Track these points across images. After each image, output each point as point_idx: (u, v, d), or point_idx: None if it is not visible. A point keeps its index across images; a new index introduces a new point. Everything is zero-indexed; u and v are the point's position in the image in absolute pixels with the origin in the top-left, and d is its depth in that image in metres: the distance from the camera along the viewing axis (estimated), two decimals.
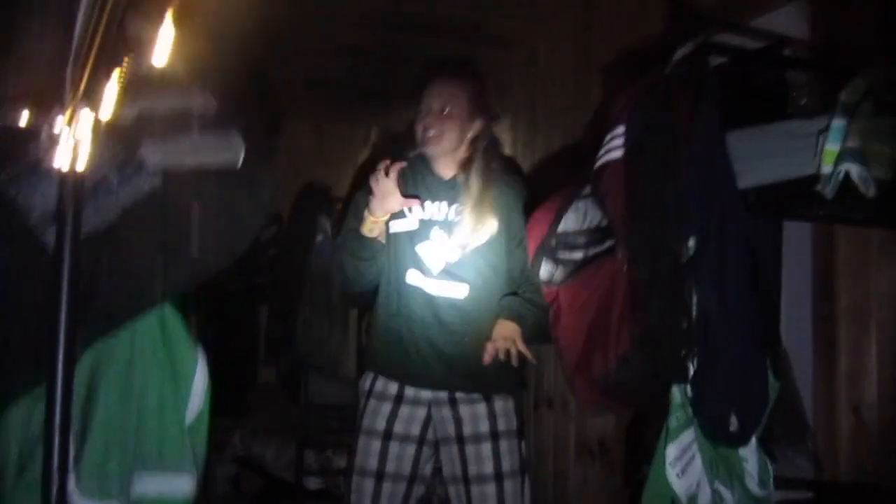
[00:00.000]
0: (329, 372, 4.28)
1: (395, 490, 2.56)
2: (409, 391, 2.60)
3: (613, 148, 2.12)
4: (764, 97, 2.24)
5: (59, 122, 1.46)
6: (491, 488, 2.55)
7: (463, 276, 2.59)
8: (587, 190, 2.19)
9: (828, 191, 1.77)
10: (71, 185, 1.60)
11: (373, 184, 2.53)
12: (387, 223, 2.63)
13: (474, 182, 2.61)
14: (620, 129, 2.11)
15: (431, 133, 2.61)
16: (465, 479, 2.57)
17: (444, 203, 2.64)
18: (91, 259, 1.67)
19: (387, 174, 2.52)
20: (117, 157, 1.65)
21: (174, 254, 1.72)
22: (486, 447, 2.56)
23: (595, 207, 2.18)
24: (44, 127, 1.50)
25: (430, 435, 2.60)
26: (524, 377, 2.68)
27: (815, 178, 1.79)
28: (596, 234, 2.19)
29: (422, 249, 2.61)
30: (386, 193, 2.54)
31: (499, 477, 2.55)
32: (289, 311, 3.92)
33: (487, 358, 2.49)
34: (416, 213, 2.63)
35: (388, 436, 2.57)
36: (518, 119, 4.11)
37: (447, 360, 2.57)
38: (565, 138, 3.76)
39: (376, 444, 2.57)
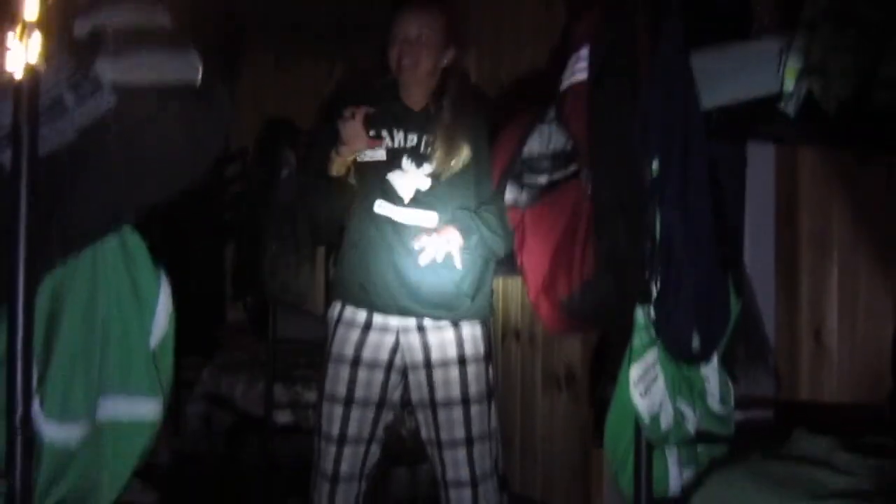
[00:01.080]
0: (297, 307, 4.29)
1: (364, 415, 2.59)
2: (378, 318, 2.61)
3: (577, 71, 2.12)
4: (726, 18, 2.23)
5: (11, 39, 1.42)
6: (458, 412, 2.58)
7: (433, 205, 2.59)
8: (551, 114, 2.19)
9: (790, 108, 1.77)
10: (25, 104, 1.57)
11: (340, 128, 2.54)
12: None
13: (447, 112, 2.60)
14: (584, 52, 2.11)
15: (406, 60, 2.59)
16: (433, 404, 2.60)
17: (415, 134, 2.63)
18: (49, 181, 1.64)
19: (353, 118, 2.53)
20: (72, 74, 1.61)
21: (133, 174, 1.69)
22: (454, 372, 2.59)
23: (559, 131, 2.18)
24: None
25: (398, 361, 2.62)
26: (491, 303, 2.69)
27: (778, 96, 1.80)
28: (560, 158, 2.19)
29: (393, 178, 2.61)
30: (352, 136, 2.54)
31: (465, 401, 2.58)
32: (255, 247, 3.89)
33: (423, 259, 2.50)
34: (384, 143, 2.62)
35: (356, 362, 2.59)
36: (483, 49, 4.08)
37: (415, 288, 2.58)
38: (531, 67, 3.74)
39: (345, 371, 2.59)
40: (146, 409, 1.80)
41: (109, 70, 1.52)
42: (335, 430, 2.59)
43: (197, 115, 1.68)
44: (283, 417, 3.89)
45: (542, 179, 2.21)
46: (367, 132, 2.57)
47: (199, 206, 4.37)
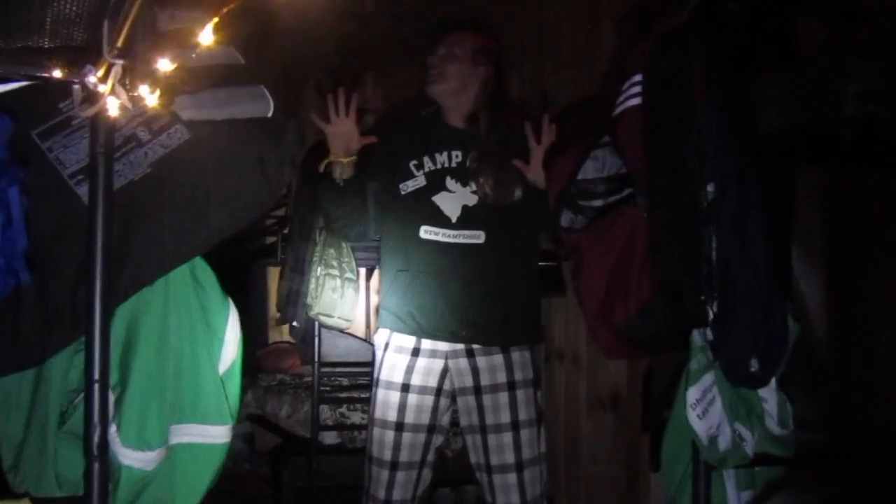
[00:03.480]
0: (341, 330, 4.32)
1: (415, 440, 2.60)
2: (427, 343, 2.62)
3: (631, 96, 2.13)
4: (778, 42, 2.25)
5: (93, 76, 1.47)
6: (508, 437, 2.58)
7: (480, 223, 2.59)
8: (605, 138, 2.21)
9: (849, 134, 1.79)
10: (102, 139, 1.62)
11: (328, 123, 2.52)
12: (397, 186, 2.64)
13: (488, 130, 2.63)
14: (638, 77, 2.13)
15: (433, 73, 2.64)
16: (483, 429, 2.60)
17: (458, 150, 2.64)
18: (124, 212, 1.69)
19: (337, 112, 2.51)
20: (147, 110, 1.66)
21: (205, 205, 1.74)
22: (504, 397, 2.59)
23: (613, 155, 2.20)
24: (77, 80, 1.50)
25: (447, 385, 2.63)
26: (541, 328, 2.70)
27: (836, 120, 1.81)
28: (615, 182, 2.20)
29: (439, 199, 2.62)
30: (342, 133, 2.52)
31: (515, 425, 2.58)
32: (300, 271, 3.93)
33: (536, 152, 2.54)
34: (423, 169, 2.65)
35: (406, 388, 2.60)
36: (524, 75, 4.11)
37: (464, 313, 2.58)
38: (573, 93, 3.76)
39: (395, 397, 2.60)
40: (216, 434, 1.84)
41: (187, 106, 1.56)
42: (387, 456, 2.59)
43: (267, 149, 1.72)
44: (329, 438, 3.92)
45: (598, 203, 2.22)
46: (409, 141, 2.62)
47: (242, 229, 4.41)
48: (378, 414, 2.63)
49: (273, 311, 4.79)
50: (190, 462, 1.82)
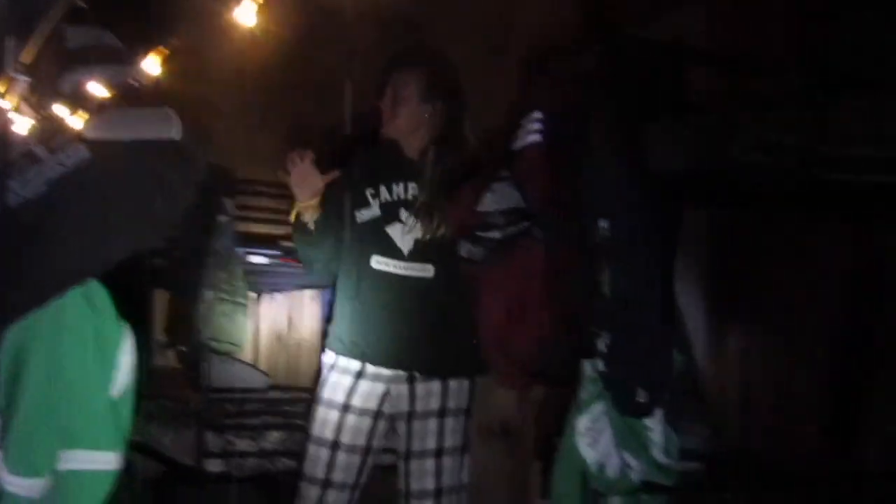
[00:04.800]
0: (230, 355, 4.25)
1: (349, 461, 2.61)
2: (370, 368, 2.64)
3: (532, 132, 2.20)
4: (669, 88, 2.35)
5: None
6: (431, 464, 2.61)
7: (429, 257, 2.61)
8: (505, 172, 2.26)
9: (736, 178, 1.88)
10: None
11: (289, 176, 2.59)
12: (353, 214, 2.67)
13: (434, 165, 2.65)
14: (538, 115, 2.19)
15: (387, 115, 2.66)
16: (408, 454, 2.63)
17: (413, 184, 2.65)
18: (17, 231, 1.64)
19: (293, 163, 2.57)
20: (46, 128, 1.62)
21: (104, 228, 1.70)
22: (433, 423, 2.62)
23: (512, 189, 2.26)
24: None
25: (386, 409, 2.65)
26: (479, 357, 2.60)
27: (725, 165, 1.90)
28: (513, 216, 2.26)
29: (392, 231, 2.63)
30: (303, 178, 2.58)
31: (439, 452, 2.61)
32: (190, 295, 3.86)
33: None
34: (379, 199, 2.66)
35: (346, 408, 2.62)
36: None
37: (410, 342, 2.61)
38: (474, 127, 3.82)
39: (334, 416, 2.62)
40: (106, 461, 1.80)
41: (94, 126, 1.53)
42: (320, 474, 2.61)
43: (171, 172, 1.70)
44: (215, 466, 3.83)
45: (497, 235, 2.28)
46: (366, 171, 2.65)
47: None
48: (315, 432, 2.64)
49: (158, 334, 4.68)
50: (77, 489, 1.77)
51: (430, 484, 2.60)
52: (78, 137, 1.64)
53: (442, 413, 2.62)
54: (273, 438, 3.98)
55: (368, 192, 2.67)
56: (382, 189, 2.67)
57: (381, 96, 2.69)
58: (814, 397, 2.57)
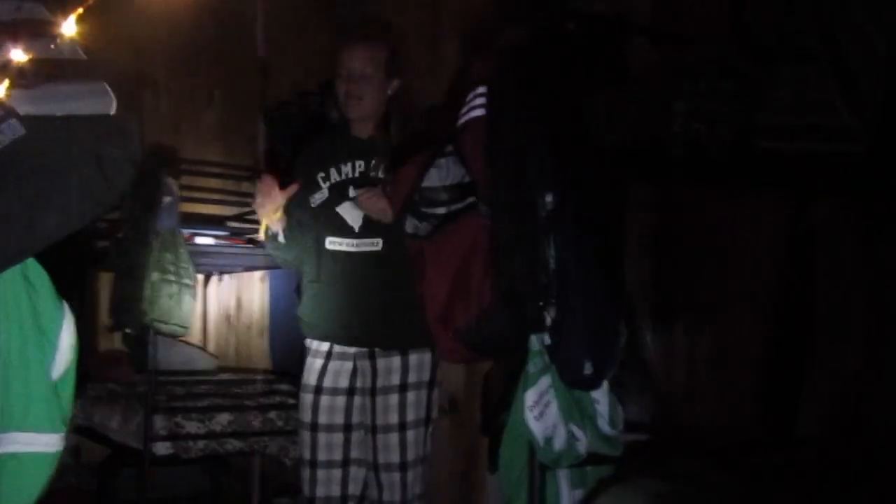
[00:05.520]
0: (176, 337, 4.21)
1: (331, 440, 2.70)
2: (337, 348, 2.72)
3: (475, 107, 2.20)
4: (611, 62, 2.37)
5: None
6: (395, 437, 2.65)
7: (378, 231, 2.64)
8: (449, 147, 2.26)
9: (677, 150, 1.91)
10: None
11: (256, 202, 2.70)
12: (307, 200, 2.74)
13: (394, 140, 2.68)
14: (482, 89, 2.19)
15: (353, 99, 2.68)
16: (373, 429, 2.68)
17: (361, 160, 2.70)
18: None
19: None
20: None
21: (40, 205, 1.67)
22: (394, 398, 2.66)
23: (457, 164, 2.26)
24: None
25: (358, 384, 2.71)
26: None
27: (665, 137, 1.93)
28: (457, 191, 2.26)
29: (342, 209, 2.69)
30: (265, 196, 2.67)
31: (403, 426, 2.66)
32: (135, 277, 3.81)
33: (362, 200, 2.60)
34: (329, 181, 2.72)
35: (318, 390, 2.71)
36: None
37: (366, 318, 2.66)
38: (418, 102, 3.81)
39: (308, 399, 2.72)
40: (47, 442, 1.77)
41: (23, 100, 1.50)
42: (307, 455, 2.72)
43: (107, 148, 1.67)
44: (163, 449, 3.80)
45: (441, 211, 2.28)
46: (316, 155, 2.74)
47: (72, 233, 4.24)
48: (300, 415, 2.78)
49: (104, 317, 4.61)
50: (17, 473, 1.74)
51: (395, 457, 2.65)
52: (11, 114, 1.60)
53: (403, 388, 2.67)
54: (222, 420, 3.96)
55: (319, 177, 2.74)
56: (332, 171, 2.73)
57: (341, 75, 2.70)
58: (755, 368, 2.62)
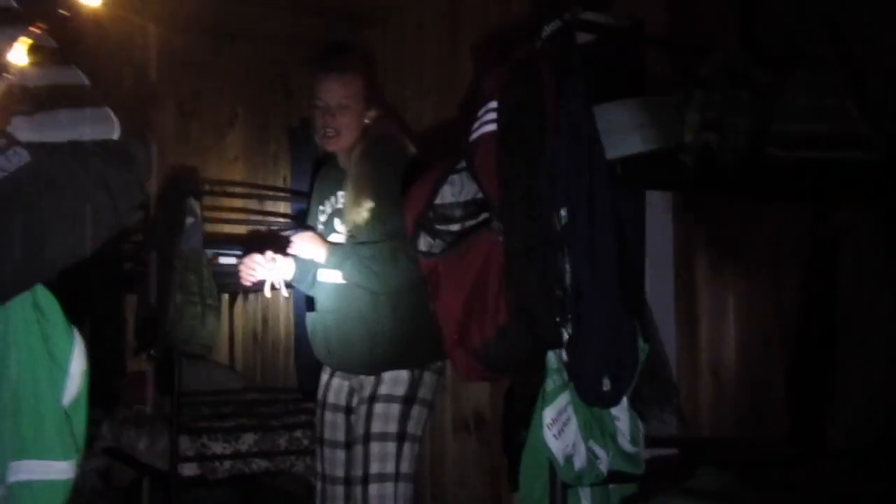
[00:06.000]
0: (202, 358, 4.22)
1: (333, 455, 2.71)
2: None
3: (486, 122, 2.17)
4: (625, 73, 2.34)
5: None
6: (359, 449, 2.61)
7: None
8: (462, 164, 2.24)
9: (690, 160, 1.87)
10: None
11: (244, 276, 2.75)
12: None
13: (354, 167, 2.66)
14: (493, 104, 2.17)
15: (330, 132, 2.67)
16: (347, 445, 2.68)
17: (341, 192, 2.71)
18: None
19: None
20: None
21: (48, 232, 1.67)
22: (363, 409, 2.63)
23: (470, 180, 2.23)
24: None
25: (354, 402, 2.72)
26: (423, 349, 2.63)
27: (678, 148, 1.89)
28: (471, 207, 2.23)
29: (331, 239, 2.72)
30: (272, 271, 2.71)
31: (367, 438, 2.59)
32: (160, 298, 3.82)
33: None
34: (325, 213, 2.75)
35: (323, 405, 2.77)
36: (388, 98, 4.14)
37: (338, 347, 2.67)
38: (436, 116, 3.81)
39: (318, 413, 2.78)
40: (59, 470, 1.76)
41: (25, 128, 1.50)
42: (318, 468, 2.76)
43: (113, 172, 1.67)
44: (189, 470, 3.80)
45: (455, 227, 2.25)
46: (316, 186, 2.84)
47: (97, 256, 4.28)
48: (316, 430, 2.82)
49: (130, 339, 4.64)
50: (30, 500, 1.73)
51: (358, 470, 2.60)
52: (17, 141, 1.60)
53: (372, 399, 2.62)
54: (248, 440, 3.96)
55: (319, 209, 2.79)
56: (326, 204, 2.76)
57: (318, 106, 2.69)
58: (781, 379, 2.56)
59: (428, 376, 2.66)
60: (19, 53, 1.32)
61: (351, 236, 2.64)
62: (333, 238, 2.69)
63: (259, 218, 4.61)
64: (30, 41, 1.33)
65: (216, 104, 5.58)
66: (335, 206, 2.71)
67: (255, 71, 5.04)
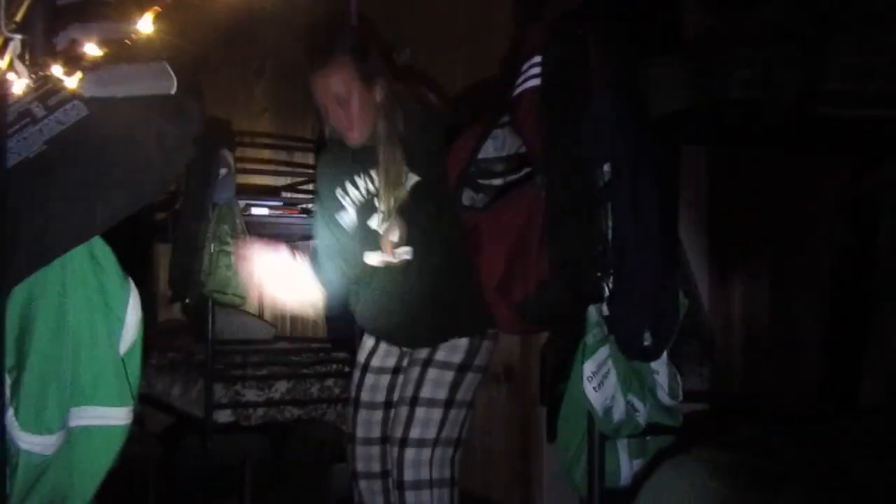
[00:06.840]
0: (235, 307, 4.27)
1: (370, 417, 2.70)
2: None
3: (530, 77, 2.17)
4: (668, 28, 2.33)
5: None
6: (403, 410, 2.55)
7: (407, 240, 2.59)
8: (505, 118, 2.25)
9: (737, 117, 1.87)
10: None
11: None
12: (334, 217, 2.73)
13: (382, 141, 2.56)
14: (537, 59, 2.17)
15: (344, 128, 2.58)
16: (386, 405, 2.68)
17: (373, 171, 2.61)
18: (19, 191, 1.64)
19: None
20: (42, 86, 1.61)
21: (104, 184, 1.70)
22: (415, 371, 2.58)
23: (513, 135, 2.24)
24: None
25: (405, 363, 2.69)
26: (483, 317, 2.52)
27: (725, 104, 1.89)
28: (514, 162, 2.25)
29: (371, 222, 2.64)
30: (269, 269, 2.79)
31: (414, 401, 2.55)
32: (193, 248, 3.86)
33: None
34: (350, 199, 2.68)
35: (365, 368, 2.73)
36: (417, 51, 4.12)
37: (396, 328, 2.66)
38: (468, 70, 3.80)
39: (356, 375, 2.75)
40: (116, 416, 1.82)
41: (90, 82, 1.52)
42: (349, 430, 2.74)
43: (168, 127, 1.69)
44: (223, 417, 3.87)
45: (497, 182, 2.27)
46: (329, 175, 2.76)
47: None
48: (350, 391, 2.80)
49: (163, 288, 4.70)
50: (89, 445, 1.79)
51: (398, 432, 2.55)
52: (75, 95, 1.63)
53: (426, 363, 2.59)
54: (280, 388, 4.02)
55: (338, 193, 2.70)
56: (350, 188, 2.68)
57: (321, 108, 2.60)
58: (815, 335, 2.59)
59: (485, 343, 2.64)
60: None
61: (398, 213, 2.57)
62: (373, 219, 2.62)
63: (288, 170, 4.64)
64: None
65: (244, 54, 5.57)
66: (367, 187, 2.63)
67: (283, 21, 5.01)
